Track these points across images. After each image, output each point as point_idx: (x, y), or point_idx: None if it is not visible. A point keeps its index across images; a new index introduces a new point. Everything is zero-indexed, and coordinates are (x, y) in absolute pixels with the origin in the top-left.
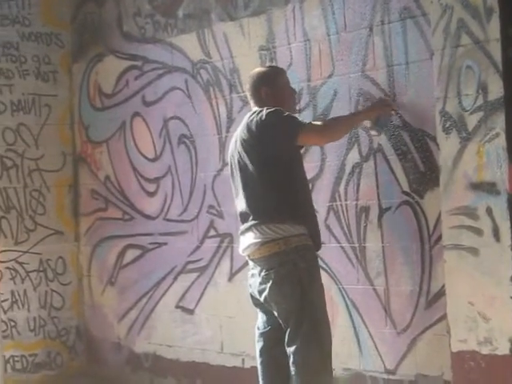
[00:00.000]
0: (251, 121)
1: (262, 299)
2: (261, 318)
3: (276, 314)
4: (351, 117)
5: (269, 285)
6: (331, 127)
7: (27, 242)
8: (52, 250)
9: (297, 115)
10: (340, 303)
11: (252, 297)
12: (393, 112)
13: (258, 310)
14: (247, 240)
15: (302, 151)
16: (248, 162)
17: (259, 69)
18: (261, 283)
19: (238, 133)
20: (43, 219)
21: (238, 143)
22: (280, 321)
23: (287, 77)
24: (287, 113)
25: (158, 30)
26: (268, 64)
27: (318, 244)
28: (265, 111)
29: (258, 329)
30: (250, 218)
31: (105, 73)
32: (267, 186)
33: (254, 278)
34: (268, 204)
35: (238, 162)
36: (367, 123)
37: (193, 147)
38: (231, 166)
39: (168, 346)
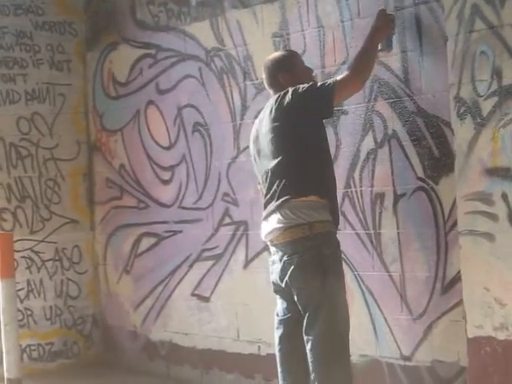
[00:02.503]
0: (279, 102)
1: (283, 285)
2: (280, 305)
3: (296, 299)
4: (368, 44)
5: (291, 270)
6: (359, 67)
7: (43, 231)
8: (67, 239)
9: None
10: (356, 290)
11: (273, 283)
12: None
13: (277, 296)
14: (270, 225)
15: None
16: (279, 143)
17: (272, 56)
18: (282, 269)
19: (263, 118)
20: (58, 208)
21: (266, 128)
22: (299, 306)
23: (301, 58)
24: (311, 82)
25: (172, 17)
26: (280, 50)
27: (336, 220)
28: (290, 88)
29: (278, 315)
30: (276, 197)
31: (119, 61)
32: (297, 164)
33: (275, 265)
34: (296, 179)
35: (268, 145)
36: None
37: (207, 135)
38: (256, 153)
39: (184, 333)
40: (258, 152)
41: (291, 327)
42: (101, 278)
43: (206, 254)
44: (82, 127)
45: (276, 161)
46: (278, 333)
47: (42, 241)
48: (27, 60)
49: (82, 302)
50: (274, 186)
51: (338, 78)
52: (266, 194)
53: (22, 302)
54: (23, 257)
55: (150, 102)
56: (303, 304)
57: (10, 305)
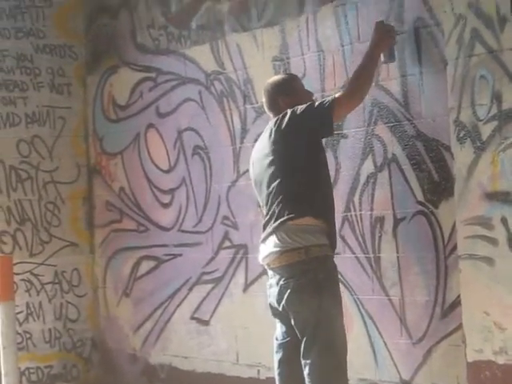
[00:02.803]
0: (278, 124)
1: (280, 308)
2: (279, 329)
3: (293, 323)
4: (369, 58)
5: (287, 294)
6: (358, 83)
7: (42, 253)
8: (67, 262)
9: None
10: (355, 313)
11: (271, 307)
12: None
13: (276, 320)
14: (267, 248)
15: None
16: (278, 165)
17: (272, 80)
18: (279, 292)
19: (262, 141)
20: (58, 231)
21: (266, 150)
22: (296, 330)
23: (301, 81)
24: (309, 102)
25: (172, 41)
26: (280, 73)
27: (333, 243)
28: (289, 110)
29: (277, 339)
30: (274, 219)
31: (119, 84)
32: (295, 186)
33: (272, 288)
34: (293, 201)
35: (267, 168)
36: (381, 58)
37: (207, 158)
38: (255, 175)
39: (183, 357)
40: (258, 175)
41: (290, 351)
42: (100, 301)
43: (206, 277)
44: (82, 150)
45: (275, 182)
46: (277, 357)
47: (42, 264)
48: (28, 83)
49: (82, 324)
50: (273, 207)
51: (337, 95)
52: (266, 216)
53: (21, 324)
54: (23, 279)
55: (150, 125)
56: (300, 328)
57: (9, 327)
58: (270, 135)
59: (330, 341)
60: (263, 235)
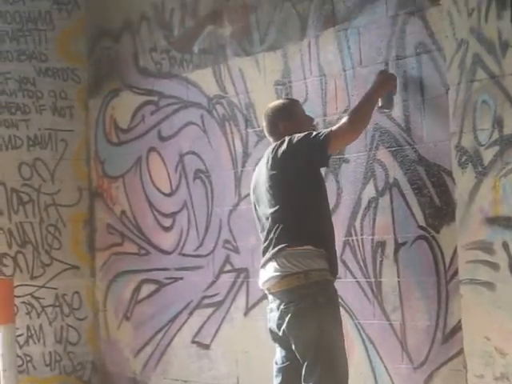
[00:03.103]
0: (276, 151)
1: (280, 333)
2: (279, 353)
3: (294, 347)
4: (367, 98)
5: (287, 318)
6: (355, 115)
7: (43, 276)
8: (68, 285)
9: None
10: (356, 338)
11: (271, 331)
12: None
13: (276, 344)
14: (267, 273)
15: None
16: (275, 192)
17: (272, 105)
18: (279, 317)
19: (261, 166)
20: (59, 254)
21: (263, 176)
22: (297, 355)
23: (302, 106)
24: (307, 132)
25: (174, 65)
26: (281, 98)
27: (333, 268)
28: (287, 138)
29: (277, 364)
30: (272, 245)
31: (121, 108)
32: (293, 213)
33: (272, 313)
34: (292, 229)
35: (265, 194)
36: (378, 102)
37: (208, 182)
38: (255, 200)
39: (184, 381)
40: (257, 200)
41: (290, 375)
42: (101, 325)
43: (207, 301)
44: (84, 173)
45: (273, 209)
46: (276, 381)
47: (43, 286)
48: (30, 106)
49: (82, 348)
50: (271, 234)
51: (334, 128)
52: (264, 241)
53: (21, 347)
54: (23, 302)
55: (152, 149)
56: (301, 353)
57: (9, 350)
58: (268, 161)
59: (332, 365)
60: (263, 260)
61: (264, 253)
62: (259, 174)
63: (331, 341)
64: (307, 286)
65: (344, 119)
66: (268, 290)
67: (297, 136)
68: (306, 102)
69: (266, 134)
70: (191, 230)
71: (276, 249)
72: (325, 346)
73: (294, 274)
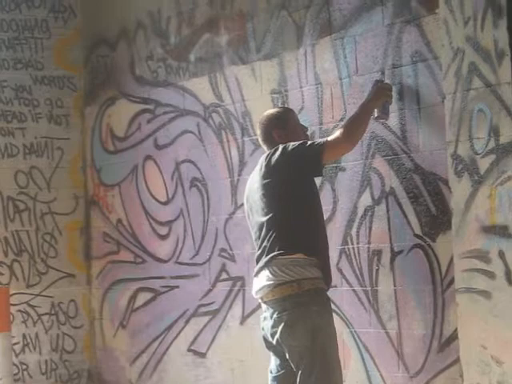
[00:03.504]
0: (269, 159)
1: (274, 342)
2: (274, 362)
3: (288, 356)
4: (363, 109)
5: (281, 327)
6: (351, 127)
7: (39, 284)
8: (64, 293)
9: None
10: (352, 347)
11: (265, 340)
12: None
13: (270, 353)
14: (260, 282)
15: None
16: (268, 200)
17: (267, 113)
18: (273, 326)
19: (254, 175)
20: (55, 262)
21: (256, 184)
22: (291, 364)
23: (296, 115)
24: (302, 140)
25: (170, 73)
26: (277, 106)
27: (326, 277)
28: (281, 146)
29: (271, 372)
30: (265, 253)
31: (117, 116)
32: (286, 221)
33: (266, 321)
34: (284, 237)
35: (258, 202)
36: (374, 113)
37: (205, 190)
38: (249, 209)
39: None
40: (251, 209)
41: None
42: (97, 333)
43: (203, 309)
44: (80, 181)
45: (266, 217)
46: None
47: (39, 295)
48: (26, 114)
49: (78, 356)
50: (264, 242)
51: (329, 138)
52: (257, 250)
53: (17, 355)
54: (19, 310)
55: (148, 157)
56: (295, 361)
57: (5, 359)
58: (261, 169)
59: (326, 373)
60: (256, 269)
61: (257, 261)
62: (252, 183)
63: (325, 349)
64: (300, 295)
65: (339, 130)
66: (261, 298)
67: (291, 144)
68: (302, 110)
69: (260, 142)
70: (187, 238)
71: (268, 257)
72: (318, 354)
73: (287, 282)
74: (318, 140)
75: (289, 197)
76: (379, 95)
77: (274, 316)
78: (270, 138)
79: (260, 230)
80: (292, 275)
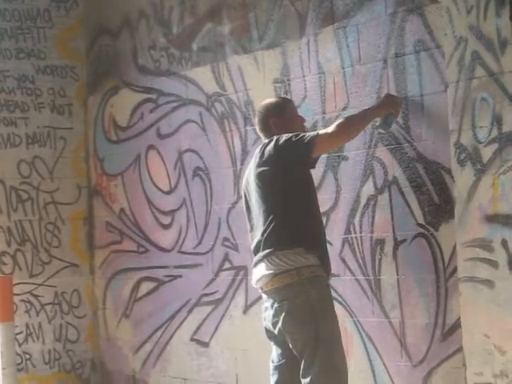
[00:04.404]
0: (263, 150)
1: (276, 331)
2: (275, 351)
3: (291, 345)
4: (363, 113)
5: (282, 316)
6: (345, 125)
7: (42, 274)
8: (67, 283)
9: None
10: (355, 336)
11: (266, 330)
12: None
13: (272, 342)
14: (259, 272)
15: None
16: (263, 191)
17: (264, 102)
18: (274, 315)
19: (251, 165)
20: (58, 252)
21: (252, 175)
22: (295, 352)
23: (294, 106)
24: (295, 133)
25: (173, 62)
26: (280, 95)
27: (328, 271)
28: (275, 137)
29: (273, 362)
30: (262, 247)
31: (120, 105)
32: (282, 213)
33: (267, 311)
34: (281, 231)
35: (254, 193)
36: (375, 121)
37: (207, 180)
38: (246, 199)
39: (183, 378)
40: (248, 199)
41: (286, 373)
42: (100, 322)
43: (206, 298)
44: (83, 171)
45: (262, 209)
46: (273, 379)
47: (42, 284)
48: (29, 104)
49: (81, 346)
50: (259, 236)
51: (321, 131)
52: (253, 241)
53: (20, 345)
54: (22, 300)
55: (151, 147)
56: (298, 350)
57: (8, 348)
58: (255, 160)
59: (330, 359)
60: (254, 260)
61: (254, 253)
62: (249, 174)
63: (327, 335)
64: (299, 283)
65: (334, 124)
66: (261, 288)
67: (284, 136)
68: (305, 99)
69: (258, 131)
70: (190, 227)
71: (266, 251)
72: (321, 341)
73: (287, 271)
74: (310, 133)
75: (282, 188)
76: (384, 105)
77: (275, 305)
78: (267, 127)
79: (256, 222)
80: (290, 264)
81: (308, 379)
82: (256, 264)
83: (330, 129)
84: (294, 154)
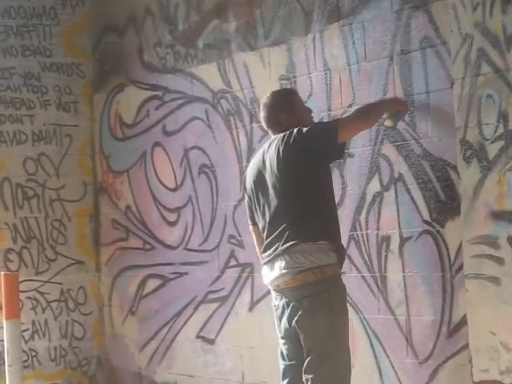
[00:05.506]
0: (285, 143)
1: (290, 328)
2: (286, 351)
3: (302, 341)
4: (378, 103)
5: (300, 312)
6: (365, 111)
7: (48, 271)
8: (73, 280)
9: None
10: (361, 333)
11: (284, 329)
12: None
13: (283, 342)
14: (277, 269)
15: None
16: (286, 184)
17: (272, 95)
18: (291, 313)
19: (266, 159)
20: (64, 249)
21: (270, 169)
22: (304, 348)
23: (299, 96)
24: (315, 123)
25: (179, 60)
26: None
27: (341, 259)
28: (295, 129)
29: (284, 360)
30: (281, 242)
31: (126, 103)
32: (306, 206)
33: (279, 310)
34: (306, 223)
35: (271, 188)
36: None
37: (213, 177)
38: (253, 194)
39: (189, 376)
40: (260, 193)
41: (298, 373)
42: (106, 320)
43: (212, 296)
44: (89, 168)
45: (283, 203)
46: (284, 380)
47: (48, 281)
48: (34, 101)
49: (87, 343)
50: (280, 229)
51: (343, 118)
52: (269, 236)
53: (26, 342)
54: (28, 297)
55: (157, 144)
56: (308, 346)
57: (14, 345)
58: (278, 153)
59: (337, 360)
60: (269, 257)
61: (269, 247)
62: (260, 167)
63: (340, 338)
64: (323, 281)
65: (354, 111)
66: (278, 286)
67: (304, 128)
68: (311, 96)
69: (265, 126)
70: (196, 224)
71: (288, 244)
72: (332, 342)
73: (311, 268)
74: (331, 122)
75: (308, 182)
76: (397, 102)
77: (293, 303)
78: (278, 122)
79: (275, 215)
80: (315, 261)
81: (311, 375)
82: (272, 260)
83: (352, 115)
84: (320, 144)
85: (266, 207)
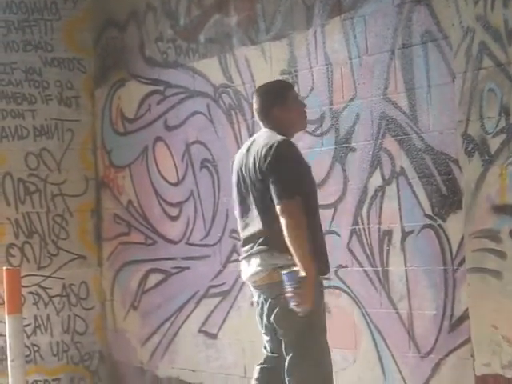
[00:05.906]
0: (259, 161)
1: (269, 324)
2: (268, 344)
3: (282, 339)
4: (307, 254)
5: (277, 309)
6: (297, 226)
7: (50, 266)
8: (75, 275)
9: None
10: (363, 327)
11: (262, 325)
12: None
13: (265, 337)
14: (253, 265)
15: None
16: (261, 187)
17: (266, 87)
18: (268, 310)
19: (251, 155)
20: (66, 244)
21: (251, 166)
22: (283, 346)
23: (295, 90)
24: (294, 165)
25: (180, 54)
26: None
27: (326, 269)
28: (271, 156)
29: (267, 352)
30: (256, 244)
31: (127, 97)
32: (277, 217)
33: (258, 307)
34: (280, 236)
35: (251, 184)
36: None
37: (215, 171)
38: (241, 184)
39: (191, 370)
40: (242, 185)
41: (279, 364)
42: (108, 314)
43: (214, 290)
44: (91, 163)
45: (258, 208)
46: (264, 365)
47: (50, 276)
48: (36, 96)
49: (89, 337)
50: (254, 230)
51: (295, 206)
52: (245, 230)
53: (28, 337)
54: (30, 292)
55: (158, 139)
56: (287, 341)
57: (16, 340)
58: (254, 166)
59: (319, 359)
60: (246, 253)
61: (245, 243)
62: (247, 161)
63: (318, 335)
64: None
65: (299, 219)
66: (254, 282)
67: (281, 158)
68: (312, 90)
69: (257, 117)
70: (198, 219)
71: (260, 247)
72: (313, 340)
73: (286, 266)
74: (298, 190)
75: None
76: (310, 294)
77: (270, 300)
78: (270, 116)
79: (251, 217)
80: (290, 259)
81: (293, 375)
82: (249, 257)
83: (297, 214)
84: (277, 181)
85: (245, 201)
